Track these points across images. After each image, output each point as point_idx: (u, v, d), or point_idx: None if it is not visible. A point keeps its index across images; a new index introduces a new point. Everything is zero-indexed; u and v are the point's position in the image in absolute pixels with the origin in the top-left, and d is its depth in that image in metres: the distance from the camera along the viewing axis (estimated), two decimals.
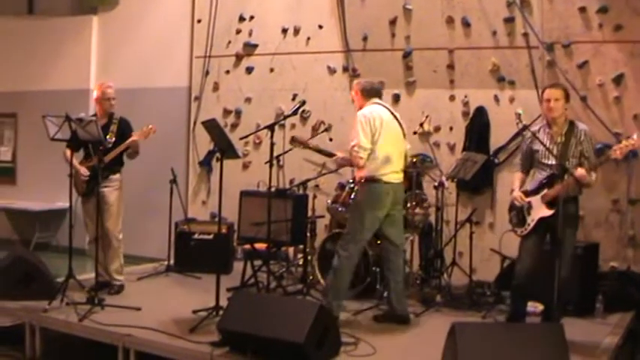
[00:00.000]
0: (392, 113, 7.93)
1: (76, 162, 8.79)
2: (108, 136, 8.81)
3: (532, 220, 7.23)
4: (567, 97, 7.28)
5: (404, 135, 8.00)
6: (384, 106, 7.93)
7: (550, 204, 7.05)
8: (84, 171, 8.76)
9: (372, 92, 7.96)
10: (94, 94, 9.10)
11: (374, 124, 7.65)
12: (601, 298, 8.58)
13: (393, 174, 7.75)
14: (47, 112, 8.39)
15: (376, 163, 7.68)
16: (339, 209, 9.13)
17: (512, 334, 6.18)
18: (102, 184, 8.68)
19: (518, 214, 7.37)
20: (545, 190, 7.13)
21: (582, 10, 9.50)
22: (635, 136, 6.73)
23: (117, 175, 8.96)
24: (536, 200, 7.22)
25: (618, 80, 9.32)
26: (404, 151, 7.99)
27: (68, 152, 8.75)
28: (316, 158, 10.19)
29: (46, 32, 13.62)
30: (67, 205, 8.80)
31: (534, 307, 7.81)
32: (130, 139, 8.75)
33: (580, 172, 6.89)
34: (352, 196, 8.25)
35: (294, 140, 8.57)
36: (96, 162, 8.48)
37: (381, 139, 7.63)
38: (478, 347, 5.91)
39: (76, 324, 7.45)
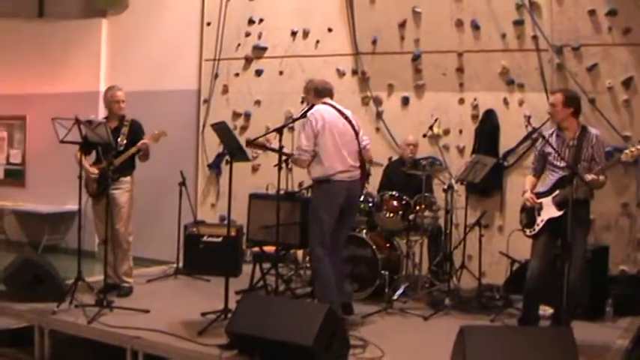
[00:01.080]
0: (341, 112, 7.95)
1: (86, 163, 8.85)
2: (119, 139, 8.85)
3: (541, 220, 7.27)
4: (567, 102, 7.29)
5: (356, 133, 7.99)
6: (333, 106, 7.96)
7: (560, 205, 7.06)
8: (93, 170, 8.80)
9: (324, 92, 8.05)
10: (106, 96, 9.13)
11: (315, 125, 7.70)
12: (611, 302, 8.56)
13: (343, 173, 7.74)
14: (57, 114, 8.41)
15: (322, 164, 7.72)
16: None
17: (521, 338, 6.17)
18: (113, 186, 8.72)
19: (529, 215, 7.38)
20: (557, 192, 7.14)
21: (592, 12, 9.48)
22: None
23: (128, 178, 8.99)
24: (546, 201, 7.24)
25: (628, 83, 9.30)
26: (357, 149, 7.97)
27: (79, 154, 8.79)
28: None
29: (55, 35, 13.66)
30: (76, 207, 8.82)
31: (544, 310, 7.77)
32: (141, 143, 8.77)
33: (589, 176, 6.91)
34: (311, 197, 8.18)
35: (248, 144, 8.48)
36: (106, 165, 8.51)
37: (324, 139, 7.68)
38: (487, 351, 5.90)
39: (85, 326, 7.45)
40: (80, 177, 8.36)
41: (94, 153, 8.86)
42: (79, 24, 13.56)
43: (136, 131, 8.96)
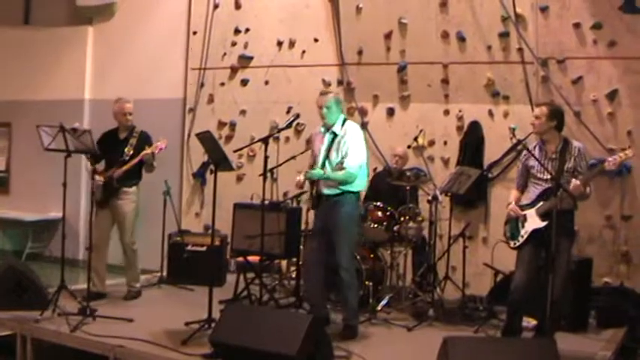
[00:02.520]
0: None
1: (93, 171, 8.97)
2: (126, 150, 9.08)
3: (525, 232, 7.31)
4: (551, 115, 7.34)
5: None
6: None
7: (543, 216, 7.09)
8: (99, 178, 8.93)
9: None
10: (114, 108, 9.26)
11: None
12: (594, 314, 8.58)
13: None
14: (42, 122, 8.46)
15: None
16: None
17: (504, 349, 6.20)
18: (118, 196, 9.04)
19: (513, 227, 7.42)
20: (541, 203, 7.18)
21: (577, 26, 9.52)
22: (629, 148, 6.81)
23: (132, 189, 9.18)
24: (530, 213, 7.28)
25: (612, 96, 9.34)
26: None
27: (90, 161, 8.96)
28: None
29: (41, 42, 13.62)
30: (60, 215, 8.83)
31: (527, 321, 7.80)
32: (143, 153, 8.93)
33: (574, 183, 6.95)
34: (341, 209, 7.91)
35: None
36: (111, 174, 8.83)
37: None
38: None
39: (68, 334, 7.43)
40: (64, 185, 8.33)
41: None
42: (65, 31, 13.53)
43: (143, 142, 9.11)
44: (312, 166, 7.90)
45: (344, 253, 7.75)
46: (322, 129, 7.94)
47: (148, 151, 8.91)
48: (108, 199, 9.06)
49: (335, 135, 7.80)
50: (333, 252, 7.89)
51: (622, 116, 9.32)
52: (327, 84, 11.15)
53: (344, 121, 7.89)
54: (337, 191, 7.74)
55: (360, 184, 7.95)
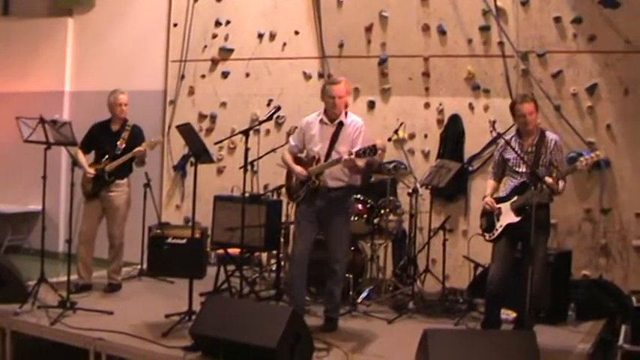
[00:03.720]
0: None
1: (85, 162, 9.09)
2: (118, 143, 9.10)
3: (500, 225, 7.36)
4: (536, 109, 7.43)
5: None
6: None
7: (518, 211, 7.13)
8: (90, 170, 9.01)
9: None
10: (108, 99, 9.26)
11: None
12: (573, 306, 8.60)
13: None
14: (21, 113, 8.42)
15: None
16: None
17: (484, 341, 6.22)
18: (109, 189, 9.08)
19: (489, 219, 7.45)
20: (516, 197, 7.21)
21: (557, 20, 9.55)
22: (601, 149, 6.89)
23: (124, 181, 9.21)
24: (505, 207, 7.32)
25: (592, 90, 9.37)
26: None
27: (80, 153, 9.08)
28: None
29: (21, 33, 13.52)
30: (39, 207, 8.79)
31: (506, 314, 7.84)
32: (136, 150, 8.98)
33: (547, 180, 6.99)
34: (343, 204, 7.92)
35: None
36: (103, 167, 8.91)
37: None
38: (450, 354, 5.94)
39: (48, 327, 7.43)
40: (44, 177, 8.31)
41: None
42: (45, 22, 13.44)
43: (136, 136, 9.15)
44: (314, 158, 7.75)
45: (341, 245, 7.78)
46: (323, 118, 7.80)
47: (142, 148, 8.91)
48: (98, 192, 9.06)
49: (341, 125, 7.72)
50: (322, 245, 7.91)
51: (601, 110, 9.36)
52: (307, 76, 11.14)
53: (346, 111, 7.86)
54: (343, 184, 7.70)
55: (357, 179, 7.95)
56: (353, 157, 7.28)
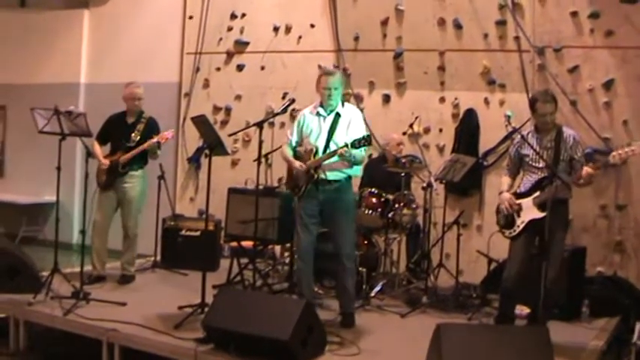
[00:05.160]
0: None
1: (100, 154, 9.15)
2: (133, 135, 9.13)
3: (522, 222, 7.29)
4: (557, 105, 7.37)
5: None
6: None
7: (541, 206, 7.07)
8: (104, 161, 9.04)
9: None
10: (123, 92, 9.30)
11: None
12: (587, 303, 8.57)
13: None
14: (37, 105, 8.43)
15: None
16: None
17: (497, 336, 6.18)
18: (123, 180, 9.11)
19: (507, 215, 7.39)
20: (538, 193, 7.16)
21: (574, 14, 9.50)
22: (638, 144, 6.77)
23: (138, 172, 9.24)
24: (526, 202, 7.26)
25: (608, 86, 9.33)
26: None
27: (96, 145, 9.15)
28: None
29: (37, 25, 13.57)
30: (54, 198, 8.80)
31: (520, 309, 7.81)
32: (148, 142, 8.97)
33: (587, 170, 6.89)
34: (345, 196, 7.85)
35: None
36: (117, 159, 8.98)
37: None
38: (463, 348, 5.91)
39: (61, 318, 7.45)
40: (59, 168, 8.34)
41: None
42: (61, 14, 13.48)
43: (151, 128, 9.18)
44: (311, 150, 7.70)
45: (348, 240, 7.73)
46: (319, 110, 7.74)
47: (154, 140, 8.93)
48: (113, 182, 9.09)
49: (338, 116, 7.68)
50: (327, 239, 7.89)
51: (618, 106, 9.32)
52: None
53: (342, 101, 7.82)
54: (342, 176, 7.65)
55: (360, 169, 7.93)
56: (348, 148, 7.25)
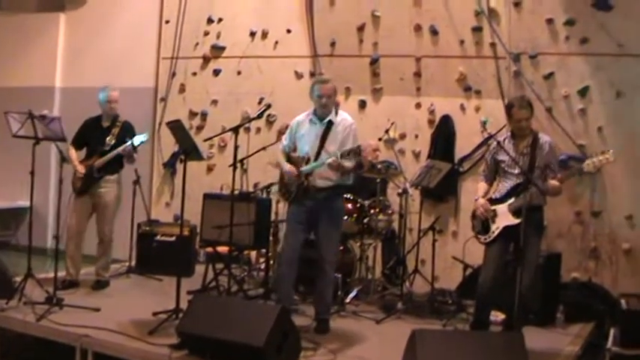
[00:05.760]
0: None
1: (75, 159, 9.08)
2: (108, 139, 9.08)
3: (497, 227, 7.32)
4: (532, 110, 7.40)
5: None
6: None
7: (516, 212, 7.09)
8: (80, 168, 8.98)
9: None
10: (99, 96, 9.23)
11: None
12: (562, 308, 8.63)
13: None
14: (11, 109, 8.38)
15: None
16: None
17: (472, 342, 6.20)
18: (99, 185, 9.04)
19: (482, 221, 7.41)
20: (513, 199, 7.18)
21: (549, 21, 9.54)
22: (610, 152, 6.84)
23: (113, 177, 9.20)
24: (501, 209, 7.28)
25: (583, 92, 9.36)
26: None
27: (72, 150, 9.08)
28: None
29: (12, 28, 13.45)
30: (27, 203, 8.76)
31: (495, 315, 7.83)
32: (122, 147, 8.92)
33: (553, 183, 7.02)
34: (333, 204, 7.86)
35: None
36: (92, 163, 8.93)
37: None
38: (438, 355, 5.92)
39: (34, 324, 7.40)
40: (32, 173, 8.28)
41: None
42: (37, 18, 13.39)
43: (126, 132, 9.11)
44: (303, 158, 7.71)
45: (332, 248, 7.76)
46: (313, 118, 7.77)
47: (128, 144, 8.88)
48: (88, 188, 9.02)
49: (331, 124, 7.69)
50: (311, 245, 7.89)
51: (593, 113, 9.35)
52: (299, 75, 11.12)
53: (336, 110, 7.83)
54: (331, 184, 7.65)
55: (351, 178, 7.92)
56: (337, 159, 7.26)
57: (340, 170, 7.50)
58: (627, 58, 9.11)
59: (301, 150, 7.76)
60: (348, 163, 7.45)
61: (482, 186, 7.70)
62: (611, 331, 7.55)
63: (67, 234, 9.01)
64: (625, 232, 9.20)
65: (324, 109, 7.68)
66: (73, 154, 9.10)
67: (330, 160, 7.34)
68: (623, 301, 7.55)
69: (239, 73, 11.66)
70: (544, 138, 7.43)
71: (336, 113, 7.76)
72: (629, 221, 9.17)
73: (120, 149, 8.88)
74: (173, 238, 10.10)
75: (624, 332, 7.15)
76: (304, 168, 7.61)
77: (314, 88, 7.74)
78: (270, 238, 9.60)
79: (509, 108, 7.45)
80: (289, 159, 7.85)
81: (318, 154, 7.61)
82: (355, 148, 7.22)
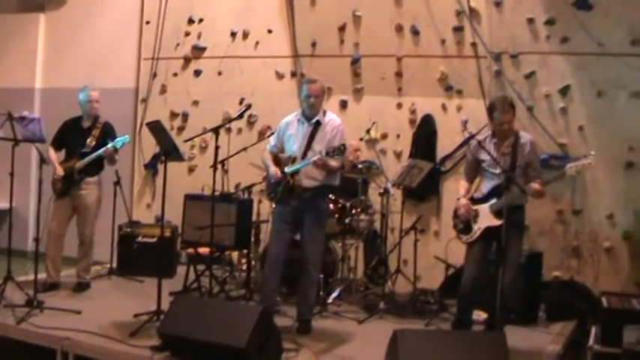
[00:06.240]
0: None
1: (55, 160, 9.02)
2: (88, 140, 9.00)
3: (479, 228, 7.33)
4: (515, 112, 7.42)
5: None
6: None
7: (498, 213, 7.10)
8: (59, 170, 8.90)
9: None
10: (79, 96, 9.18)
11: None
12: (544, 307, 8.64)
13: None
14: None
15: None
16: None
17: (454, 342, 6.21)
18: (79, 187, 8.97)
19: (464, 221, 7.42)
20: (494, 200, 7.19)
21: (530, 21, 9.55)
22: (592, 155, 6.89)
23: (94, 179, 9.13)
24: (483, 209, 7.29)
25: (564, 91, 9.39)
26: None
27: (51, 151, 9.02)
28: (261, 163, 10.03)
29: None
30: (6, 205, 8.69)
31: (477, 315, 7.84)
32: (104, 149, 8.84)
33: (535, 187, 7.05)
34: (319, 204, 7.89)
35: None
36: (72, 165, 8.85)
37: None
38: (420, 354, 5.93)
39: (13, 327, 7.36)
40: (12, 174, 8.22)
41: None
42: (16, 18, 13.31)
43: (107, 134, 9.07)
44: (290, 157, 7.74)
45: (317, 249, 7.77)
46: (301, 118, 7.80)
47: (110, 146, 8.82)
48: (68, 190, 8.96)
49: (318, 124, 7.70)
50: (294, 245, 7.88)
51: (574, 112, 9.38)
52: (280, 76, 11.10)
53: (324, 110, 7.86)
54: (318, 184, 7.66)
55: (337, 178, 7.93)
56: (322, 156, 7.27)
57: (326, 169, 7.52)
58: (607, 57, 9.14)
59: (289, 150, 7.78)
60: (334, 162, 7.45)
61: (464, 185, 7.72)
62: (593, 330, 7.56)
63: (47, 236, 8.94)
64: (606, 230, 9.23)
65: (311, 109, 7.71)
66: (53, 155, 9.05)
67: (315, 158, 7.35)
68: (604, 300, 7.56)
69: (220, 73, 11.63)
70: (525, 137, 7.44)
71: (324, 114, 7.75)
72: (609, 220, 9.20)
73: (101, 151, 8.82)
74: (154, 240, 10.05)
75: (605, 330, 7.16)
76: (290, 168, 7.61)
77: (302, 88, 7.82)
78: (252, 238, 9.57)
79: (491, 110, 7.46)
80: (276, 159, 7.84)
81: (305, 153, 7.63)
82: (341, 146, 7.23)
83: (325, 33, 10.82)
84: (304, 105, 7.78)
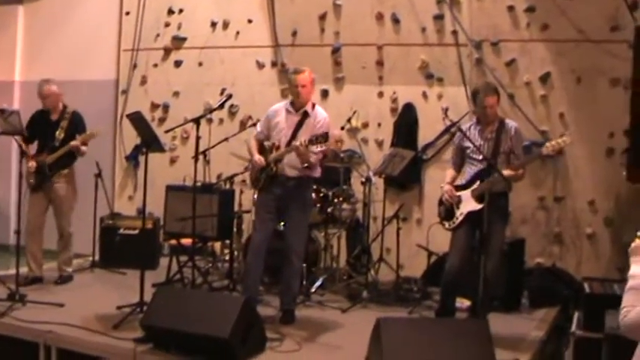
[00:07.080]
0: None
1: (27, 152, 8.91)
2: (57, 133, 8.91)
3: (461, 213, 7.38)
4: (499, 99, 7.45)
5: None
6: None
7: (479, 198, 7.13)
8: (31, 164, 8.81)
9: None
10: (37, 90, 9.12)
11: None
12: (527, 294, 8.68)
13: None
14: None
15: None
16: None
17: (437, 329, 6.23)
18: (53, 179, 8.89)
19: (447, 207, 7.45)
20: (476, 185, 7.22)
21: (510, 8, 9.57)
22: (567, 134, 6.92)
23: (66, 170, 9.03)
24: (465, 194, 7.33)
25: (545, 79, 9.41)
26: None
27: (23, 144, 8.82)
28: (244, 153, 10.01)
29: None
30: None
31: (461, 302, 7.86)
32: (71, 144, 8.77)
33: (508, 172, 7.05)
34: (304, 192, 7.89)
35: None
36: (43, 159, 8.75)
37: None
38: (403, 342, 5.92)
39: None
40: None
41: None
42: None
43: (76, 125, 8.99)
44: (274, 144, 7.74)
45: (300, 238, 7.77)
46: (289, 107, 7.80)
47: (76, 142, 8.75)
48: (42, 183, 8.90)
49: (306, 115, 7.71)
50: (277, 235, 7.88)
51: (554, 98, 9.40)
52: (261, 65, 11.07)
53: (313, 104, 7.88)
54: (300, 174, 7.67)
55: (318, 171, 7.92)
56: (305, 144, 7.27)
57: (307, 157, 7.48)
58: (587, 44, 9.16)
59: (274, 138, 7.78)
60: (315, 149, 7.42)
61: (450, 173, 7.76)
62: (575, 315, 7.59)
63: (25, 230, 8.89)
64: (588, 217, 9.28)
65: (299, 99, 7.72)
66: (26, 148, 8.94)
67: (297, 143, 7.35)
68: (586, 285, 7.58)
69: (200, 64, 11.59)
70: (510, 123, 7.53)
71: (313, 106, 7.78)
72: (591, 206, 9.24)
73: (67, 148, 8.74)
74: (136, 232, 10.02)
75: (587, 316, 7.18)
76: (272, 155, 7.62)
77: (290, 79, 7.85)
78: (234, 229, 9.56)
79: (475, 94, 7.52)
80: (261, 147, 7.84)
81: (289, 142, 7.62)
82: (324, 134, 7.23)
83: (306, 22, 10.79)
84: (293, 95, 7.82)
